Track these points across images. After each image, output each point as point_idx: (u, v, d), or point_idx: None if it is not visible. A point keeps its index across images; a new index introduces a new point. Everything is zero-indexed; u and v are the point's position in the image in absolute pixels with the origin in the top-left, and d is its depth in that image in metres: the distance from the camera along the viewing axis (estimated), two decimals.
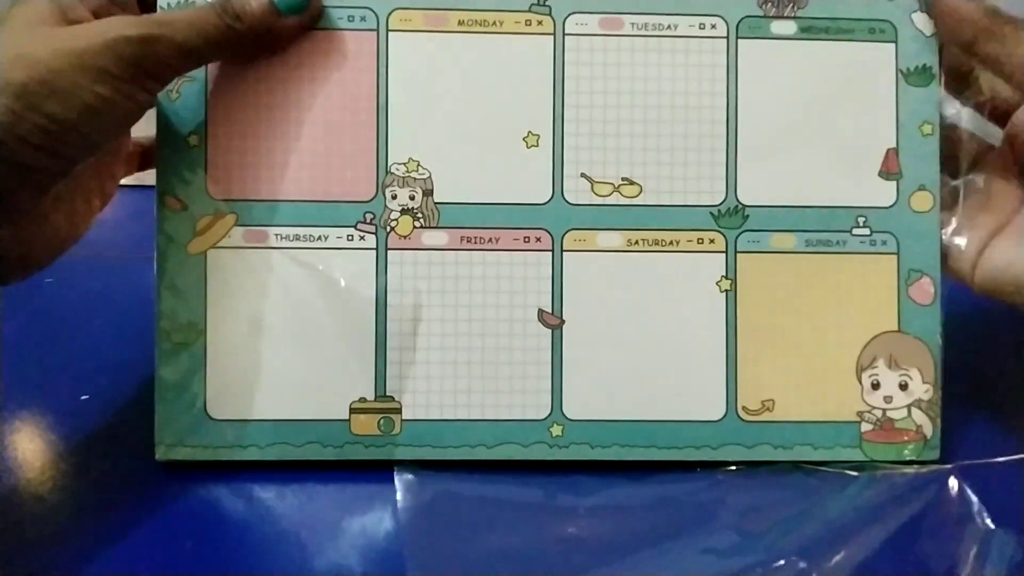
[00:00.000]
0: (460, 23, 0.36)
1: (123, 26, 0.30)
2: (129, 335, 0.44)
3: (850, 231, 0.37)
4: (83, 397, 0.40)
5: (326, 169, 0.36)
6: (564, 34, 0.36)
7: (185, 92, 0.35)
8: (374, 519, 0.35)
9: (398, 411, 0.36)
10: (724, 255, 0.36)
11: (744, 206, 0.37)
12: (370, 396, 0.36)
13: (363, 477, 0.36)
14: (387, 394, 0.36)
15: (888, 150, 0.37)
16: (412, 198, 0.36)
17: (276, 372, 0.36)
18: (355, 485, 0.36)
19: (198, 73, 0.35)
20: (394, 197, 0.36)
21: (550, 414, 0.36)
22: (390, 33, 0.36)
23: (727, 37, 0.37)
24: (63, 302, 0.47)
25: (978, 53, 0.34)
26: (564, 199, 0.36)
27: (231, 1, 0.32)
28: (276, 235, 0.36)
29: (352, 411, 0.36)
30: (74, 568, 0.32)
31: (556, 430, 0.36)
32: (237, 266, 0.36)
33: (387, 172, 0.36)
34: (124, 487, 0.36)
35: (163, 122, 0.35)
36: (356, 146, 0.36)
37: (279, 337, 0.36)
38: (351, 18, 0.36)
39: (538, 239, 0.36)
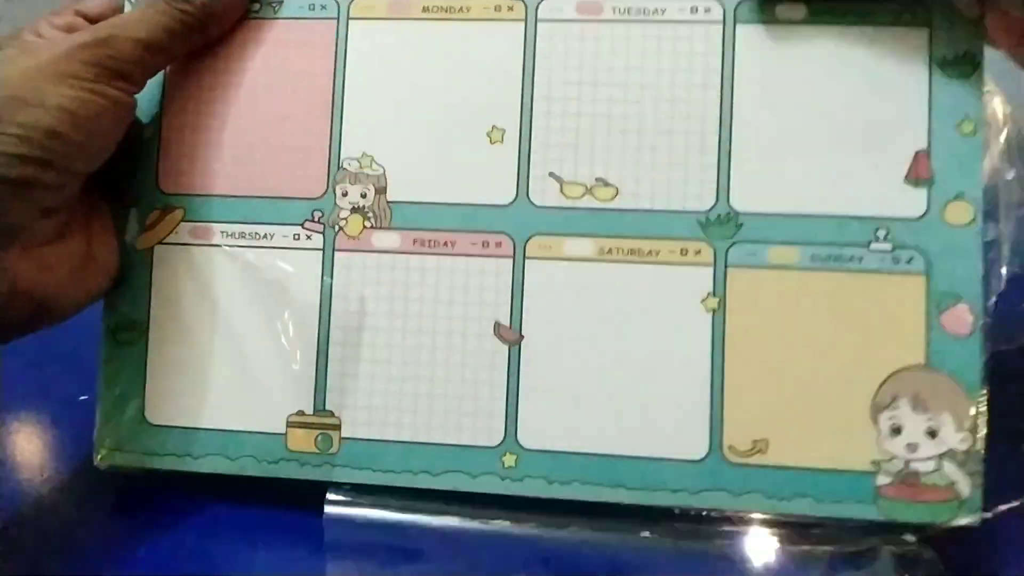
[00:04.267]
0: (424, 9, 0.33)
1: (79, 34, 0.31)
2: None
3: (867, 245, 0.31)
4: (82, 398, 0.39)
5: (276, 164, 0.33)
6: (537, 20, 0.33)
7: (148, 85, 0.34)
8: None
9: (337, 427, 0.33)
10: (712, 269, 0.32)
11: (737, 213, 0.32)
12: (308, 410, 0.33)
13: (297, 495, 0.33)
14: (326, 408, 0.33)
15: (917, 152, 0.31)
16: (364, 196, 0.33)
17: (216, 378, 0.33)
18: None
19: None
20: (344, 194, 0.33)
21: (503, 441, 0.32)
22: (351, 21, 0.34)
23: (722, 22, 0.32)
24: None
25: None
26: (529, 200, 0.32)
27: None
28: (222, 232, 0.34)
29: (289, 425, 0.33)
30: (73, 568, 0.32)
31: (509, 460, 0.32)
32: (182, 264, 0.34)
33: (339, 168, 0.33)
34: (123, 488, 0.35)
35: None
36: (308, 140, 0.33)
37: (220, 341, 0.33)
38: (312, 7, 0.34)
39: (498, 244, 0.32)
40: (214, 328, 0.33)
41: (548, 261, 0.32)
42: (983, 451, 0.30)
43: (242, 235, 0.34)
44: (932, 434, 0.30)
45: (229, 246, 0.34)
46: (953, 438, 0.30)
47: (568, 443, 0.32)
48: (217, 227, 0.34)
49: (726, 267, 0.31)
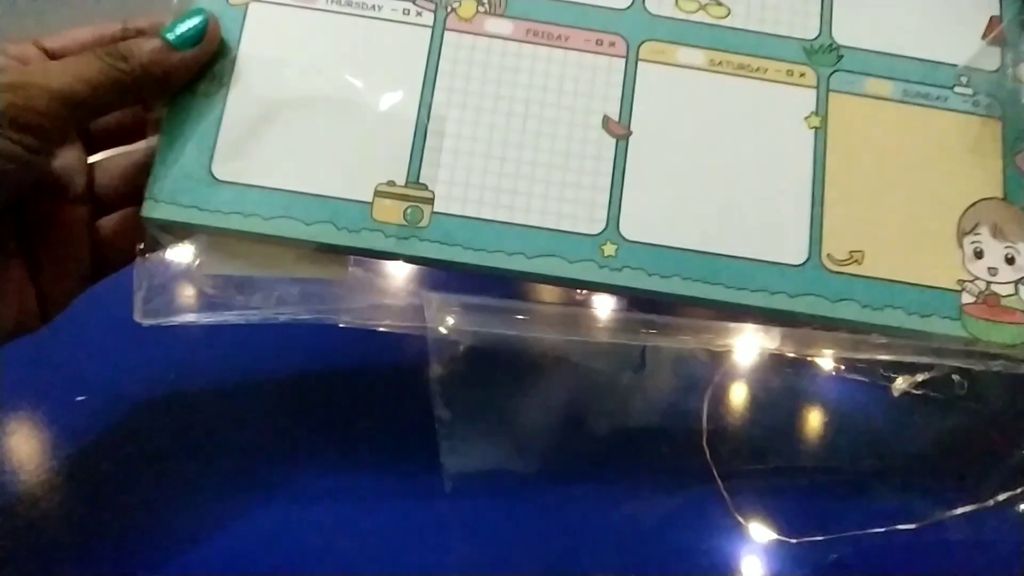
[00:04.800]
0: None
1: None
2: (128, 335, 0.40)
3: (952, 88, 0.33)
4: (79, 398, 0.38)
5: None
6: None
7: None
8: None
9: (429, 201, 0.31)
10: (815, 91, 0.33)
11: (839, 45, 0.33)
12: (400, 180, 0.31)
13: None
14: (420, 181, 0.31)
15: (992, 17, 0.34)
16: None
17: (298, 139, 0.31)
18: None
19: None
20: None
21: (604, 230, 0.31)
22: None
23: None
24: None
25: None
26: (645, 8, 0.33)
27: (120, 43, 0.29)
28: None
29: (377, 194, 0.31)
30: (72, 568, 0.32)
31: (609, 249, 0.31)
32: (278, 23, 0.32)
33: None
34: (122, 488, 0.35)
35: None
36: None
37: (308, 102, 0.31)
38: None
39: (612, 44, 0.33)
40: (304, 89, 0.31)
41: (660, 65, 0.33)
42: None
43: (348, 3, 0.32)
44: (1010, 261, 0.32)
45: (334, 11, 0.32)
46: None
47: (669, 237, 0.31)
48: None
49: (828, 91, 0.33)
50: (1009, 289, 0.32)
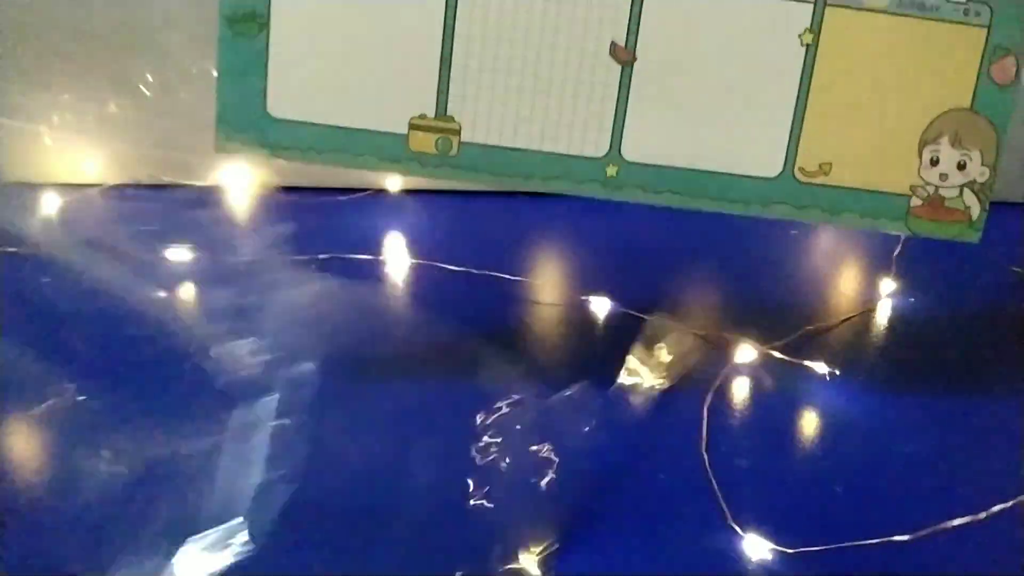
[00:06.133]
0: None
1: None
2: (127, 335, 0.42)
3: None
4: (80, 398, 0.39)
5: None
6: None
7: None
8: None
9: (457, 132, 0.36)
10: (812, 6, 0.35)
11: None
12: (431, 114, 0.35)
13: None
14: (448, 114, 0.35)
15: None
16: None
17: (339, 76, 0.35)
18: None
19: None
20: None
21: (608, 153, 0.36)
22: None
23: None
24: (60, 302, 0.44)
25: None
26: None
27: None
28: None
29: (411, 127, 0.35)
30: (71, 568, 0.32)
31: (611, 170, 0.36)
32: None
33: None
34: (121, 488, 0.34)
35: None
36: None
37: (344, 41, 0.34)
38: None
39: None
40: (340, 29, 0.34)
41: None
42: (994, 184, 0.37)
43: None
44: (962, 167, 0.37)
45: None
46: (977, 171, 0.37)
47: (665, 157, 0.36)
48: None
49: (825, 5, 0.35)
50: (955, 192, 0.37)
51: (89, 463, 0.35)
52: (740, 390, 0.41)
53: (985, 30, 0.35)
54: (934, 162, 0.37)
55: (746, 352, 0.42)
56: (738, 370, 0.41)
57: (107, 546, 0.31)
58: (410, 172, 0.36)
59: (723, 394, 0.40)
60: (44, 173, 0.56)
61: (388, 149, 0.36)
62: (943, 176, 0.37)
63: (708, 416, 0.39)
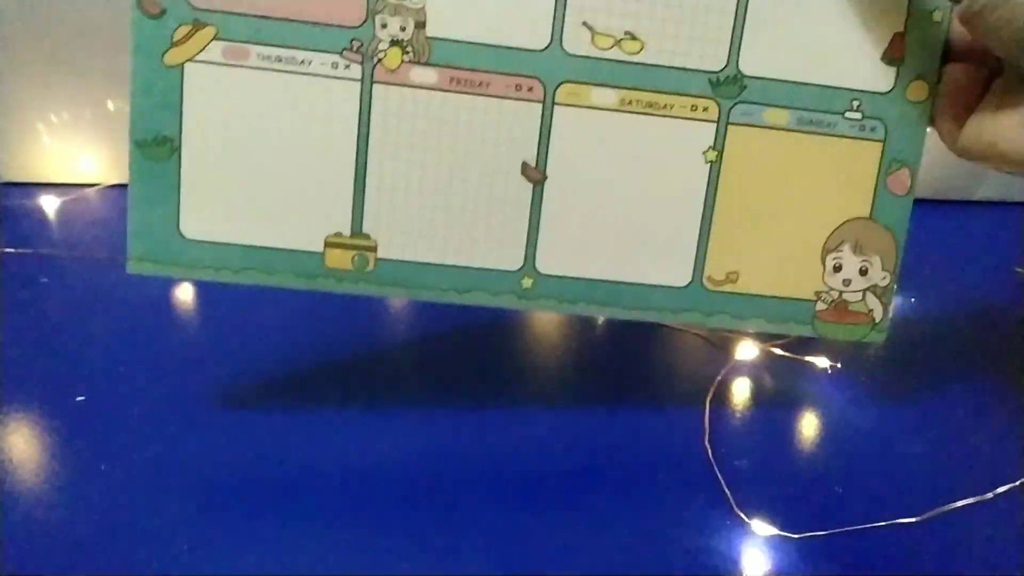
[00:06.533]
0: None
1: None
2: (126, 335, 0.43)
3: (843, 114, 0.36)
4: (79, 398, 0.39)
5: None
6: None
7: None
8: None
9: (373, 249, 0.36)
10: (715, 125, 0.36)
11: (743, 76, 0.36)
12: (346, 232, 0.36)
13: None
14: (363, 232, 0.36)
15: (895, 34, 0.36)
16: (403, 29, 0.34)
17: (252, 197, 0.35)
18: None
19: None
20: (384, 26, 0.34)
21: (523, 266, 0.37)
22: None
23: None
24: (59, 302, 0.46)
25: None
26: (562, 47, 0.35)
27: None
28: (258, 54, 0.34)
29: (327, 245, 0.36)
30: (71, 568, 0.32)
31: (527, 282, 0.37)
32: (215, 83, 0.34)
33: None
34: (121, 488, 0.36)
35: None
36: None
37: (257, 162, 0.35)
38: None
39: (530, 88, 0.35)
40: (251, 149, 0.35)
41: (575, 108, 0.35)
42: (895, 287, 0.39)
43: (279, 59, 0.34)
44: (863, 272, 0.38)
45: (266, 69, 0.34)
46: (878, 275, 0.38)
47: (578, 269, 0.37)
48: (253, 48, 0.34)
49: (727, 124, 0.36)
50: (858, 296, 0.38)
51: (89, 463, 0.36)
52: (741, 387, 0.43)
53: (881, 144, 0.37)
54: (837, 268, 0.38)
55: (748, 349, 0.45)
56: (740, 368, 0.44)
57: (107, 546, 0.32)
58: (326, 288, 0.36)
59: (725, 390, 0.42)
60: (42, 173, 0.57)
61: (304, 267, 0.36)
62: (846, 282, 0.38)
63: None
